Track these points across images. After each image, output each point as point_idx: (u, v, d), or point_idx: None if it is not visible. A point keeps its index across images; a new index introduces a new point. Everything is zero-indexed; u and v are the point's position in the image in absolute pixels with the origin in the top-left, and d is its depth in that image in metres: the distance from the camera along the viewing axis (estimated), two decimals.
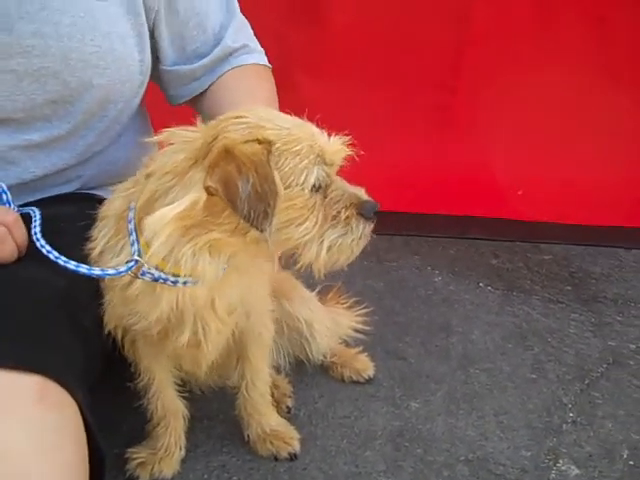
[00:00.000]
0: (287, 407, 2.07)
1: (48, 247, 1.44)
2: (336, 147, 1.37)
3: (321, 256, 1.35)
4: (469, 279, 2.86)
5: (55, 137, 1.69)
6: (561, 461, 1.93)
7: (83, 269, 1.39)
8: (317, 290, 2.28)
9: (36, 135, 1.67)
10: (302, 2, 3.27)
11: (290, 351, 2.12)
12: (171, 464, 1.84)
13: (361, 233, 1.36)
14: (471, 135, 3.46)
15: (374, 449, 1.97)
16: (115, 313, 1.54)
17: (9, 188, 1.61)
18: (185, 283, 1.39)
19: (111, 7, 1.67)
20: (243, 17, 1.99)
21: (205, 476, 1.87)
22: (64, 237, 1.46)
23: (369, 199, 1.38)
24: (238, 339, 1.76)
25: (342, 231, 1.35)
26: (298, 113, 1.65)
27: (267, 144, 1.28)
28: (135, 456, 1.84)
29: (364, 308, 2.41)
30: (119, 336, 1.62)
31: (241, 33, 1.95)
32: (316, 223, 1.34)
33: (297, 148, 1.31)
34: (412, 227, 3.30)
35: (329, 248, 1.35)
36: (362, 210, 1.36)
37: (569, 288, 2.79)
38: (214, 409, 2.07)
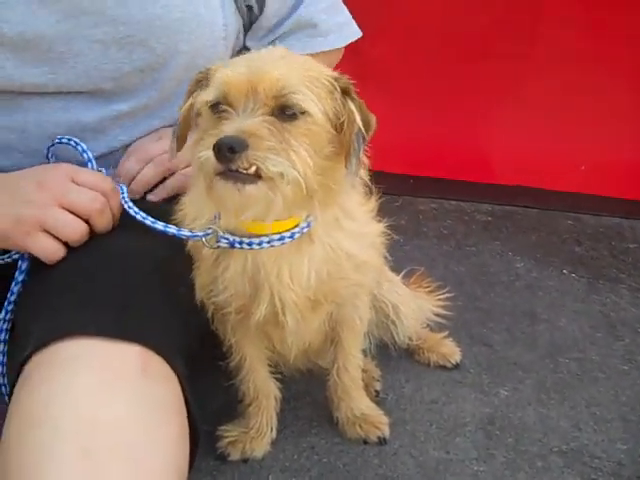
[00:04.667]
0: (375, 391, 2.05)
1: (142, 214, 1.48)
2: (242, 78, 1.27)
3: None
4: (552, 266, 2.79)
5: (144, 105, 1.69)
6: None
7: (172, 230, 1.44)
8: (402, 274, 2.25)
9: (125, 105, 1.67)
10: None
11: (376, 334, 2.09)
12: (262, 444, 1.85)
13: (209, 168, 1.24)
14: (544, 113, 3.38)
15: (464, 436, 1.94)
16: (201, 283, 1.55)
17: (97, 157, 1.63)
18: (260, 244, 1.42)
19: None
20: None
21: (295, 456, 1.87)
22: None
23: (225, 136, 1.21)
24: (331, 325, 1.76)
25: (202, 155, 1.26)
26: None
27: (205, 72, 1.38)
28: (227, 434, 1.85)
29: (446, 293, 2.36)
30: (210, 312, 1.62)
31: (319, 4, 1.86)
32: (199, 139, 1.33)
33: (219, 72, 1.32)
34: (478, 195, 3.32)
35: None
36: (215, 145, 1.21)
37: None
38: (301, 390, 2.06)
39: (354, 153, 1.32)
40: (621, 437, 1.94)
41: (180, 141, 1.44)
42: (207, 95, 1.31)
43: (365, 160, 1.51)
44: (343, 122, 1.33)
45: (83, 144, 1.61)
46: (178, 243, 1.50)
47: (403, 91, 3.39)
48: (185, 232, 1.46)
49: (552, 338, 2.35)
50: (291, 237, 1.43)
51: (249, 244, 1.43)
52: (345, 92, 1.34)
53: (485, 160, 3.44)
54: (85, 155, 1.60)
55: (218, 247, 1.45)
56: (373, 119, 1.36)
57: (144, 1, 1.57)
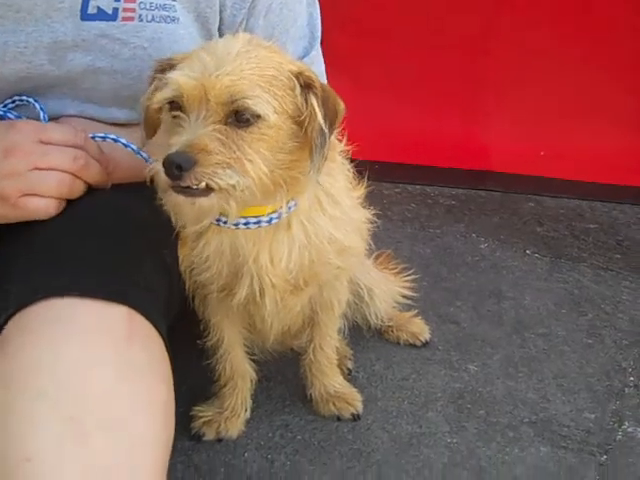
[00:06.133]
0: (347, 369, 2.07)
1: (112, 135, 1.47)
2: (193, 84, 1.25)
3: None
4: (515, 246, 2.83)
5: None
6: (626, 423, 1.93)
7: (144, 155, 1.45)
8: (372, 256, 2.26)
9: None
10: None
11: (350, 316, 2.10)
12: (237, 424, 1.85)
13: (162, 182, 1.26)
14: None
15: (436, 410, 1.97)
16: (184, 256, 1.55)
17: None
18: (236, 225, 1.42)
19: (180, 29, 1.54)
20: (319, 48, 1.78)
21: (269, 434, 1.88)
22: None
23: (173, 152, 1.22)
24: (311, 307, 1.77)
25: (154, 167, 1.28)
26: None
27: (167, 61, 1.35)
28: (201, 414, 1.85)
29: (412, 274, 2.37)
30: (191, 290, 1.62)
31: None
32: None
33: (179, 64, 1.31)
34: (441, 179, 3.36)
35: None
36: (164, 162, 1.23)
37: (618, 256, 2.77)
38: (273, 370, 2.07)
39: (316, 150, 1.31)
40: (588, 406, 1.98)
41: (149, 130, 1.43)
42: (163, 94, 1.30)
43: (344, 147, 1.56)
44: (305, 117, 1.32)
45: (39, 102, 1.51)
46: (158, 203, 1.44)
47: (368, 78, 3.42)
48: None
49: (518, 315, 2.39)
50: (268, 221, 1.43)
51: (225, 222, 1.42)
52: (307, 87, 1.32)
53: (448, 146, 3.47)
54: (41, 113, 1.50)
55: None
56: (341, 106, 1.36)
57: (115, 70, 1.51)
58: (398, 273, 2.38)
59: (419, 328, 2.25)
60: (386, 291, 2.18)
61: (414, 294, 2.31)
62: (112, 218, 1.41)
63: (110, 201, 1.45)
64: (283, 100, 1.30)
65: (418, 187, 3.29)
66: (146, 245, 1.40)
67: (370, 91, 3.38)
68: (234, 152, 1.25)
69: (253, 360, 1.87)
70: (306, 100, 1.32)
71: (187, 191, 1.24)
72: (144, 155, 1.46)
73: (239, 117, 1.26)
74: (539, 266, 2.70)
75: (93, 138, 1.48)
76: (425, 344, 2.23)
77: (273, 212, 1.43)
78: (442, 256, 2.76)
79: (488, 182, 3.35)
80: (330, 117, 1.32)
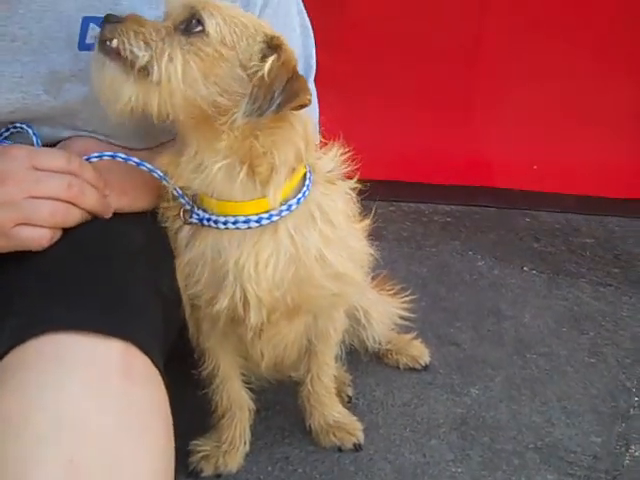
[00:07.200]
0: (347, 396, 2.02)
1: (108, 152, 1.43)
2: None
3: None
4: (513, 263, 2.79)
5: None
6: (633, 447, 1.89)
7: (147, 166, 1.43)
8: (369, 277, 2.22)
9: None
10: None
11: (347, 340, 2.06)
12: (236, 458, 1.79)
13: None
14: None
15: (439, 438, 1.92)
16: (179, 272, 1.50)
17: None
18: (225, 224, 1.41)
19: None
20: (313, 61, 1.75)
21: (269, 468, 1.83)
22: None
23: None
24: (307, 337, 1.74)
25: None
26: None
27: None
28: (199, 449, 1.79)
29: (410, 294, 2.33)
30: (187, 314, 1.58)
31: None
32: None
33: None
34: (434, 196, 3.31)
35: None
36: None
37: (616, 271, 2.73)
38: (270, 400, 2.01)
39: (250, 99, 1.26)
40: (594, 430, 1.94)
41: None
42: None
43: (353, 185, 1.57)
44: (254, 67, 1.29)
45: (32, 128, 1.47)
46: (156, 229, 1.43)
47: (357, 96, 3.37)
48: (158, 171, 1.42)
49: (518, 334, 2.36)
50: (258, 222, 1.39)
51: (215, 222, 1.41)
52: (274, 48, 1.30)
53: (440, 162, 3.43)
54: (34, 138, 1.46)
55: (190, 223, 1.43)
56: (303, 93, 1.31)
57: None
58: (395, 294, 2.34)
59: (419, 351, 2.21)
60: (383, 313, 2.14)
61: (412, 315, 2.25)
62: (108, 246, 1.36)
63: (107, 228, 1.39)
64: (238, 42, 1.29)
65: (412, 205, 3.25)
66: (143, 274, 1.36)
67: (361, 110, 3.34)
68: (163, 43, 1.26)
69: (250, 389, 1.82)
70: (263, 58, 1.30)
71: (102, 46, 1.27)
72: (149, 166, 1.43)
73: (188, 27, 1.27)
74: (537, 283, 2.66)
75: (88, 159, 1.42)
76: (425, 367, 2.19)
77: (264, 212, 1.40)
78: (439, 275, 2.72)
79: (482, 198, 3.31)
80: (287, 93, 1.27)
